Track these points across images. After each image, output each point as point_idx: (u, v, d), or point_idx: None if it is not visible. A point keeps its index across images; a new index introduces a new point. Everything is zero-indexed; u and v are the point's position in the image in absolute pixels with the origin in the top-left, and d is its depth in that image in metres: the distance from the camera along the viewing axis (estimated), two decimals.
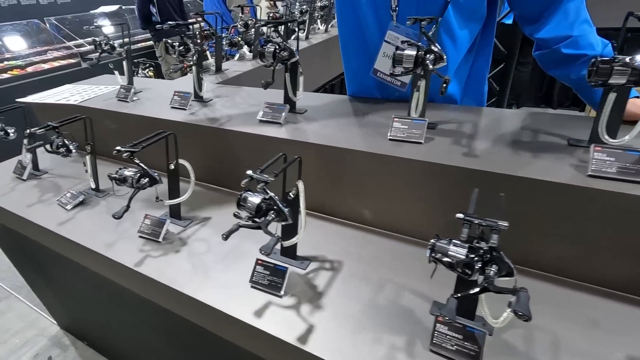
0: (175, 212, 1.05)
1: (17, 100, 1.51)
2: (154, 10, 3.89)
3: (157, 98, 1.41)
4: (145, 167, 0.91)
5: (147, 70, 2.04)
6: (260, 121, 1.08)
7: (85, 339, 1.79)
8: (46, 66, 3.52)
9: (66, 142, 1.10)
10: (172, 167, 0.98)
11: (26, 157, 1.36)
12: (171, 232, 1.01)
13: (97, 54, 1.44)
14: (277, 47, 1.01)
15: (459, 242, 0.58)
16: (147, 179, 0.91)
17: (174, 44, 1.20)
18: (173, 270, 0.88)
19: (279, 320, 0.72)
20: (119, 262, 0.92)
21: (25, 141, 1.36)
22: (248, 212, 0.74)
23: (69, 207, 1.15)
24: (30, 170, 1.38)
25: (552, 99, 3.99)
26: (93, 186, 1.21)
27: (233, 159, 1.12)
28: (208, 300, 0.78)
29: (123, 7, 4.61)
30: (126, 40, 1.49)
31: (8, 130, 1.30)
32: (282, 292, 0.77)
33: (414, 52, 0.83)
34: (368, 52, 1.08)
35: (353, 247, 0.89)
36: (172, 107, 1.26)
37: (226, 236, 0.70)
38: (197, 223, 1.04)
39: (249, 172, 0.72)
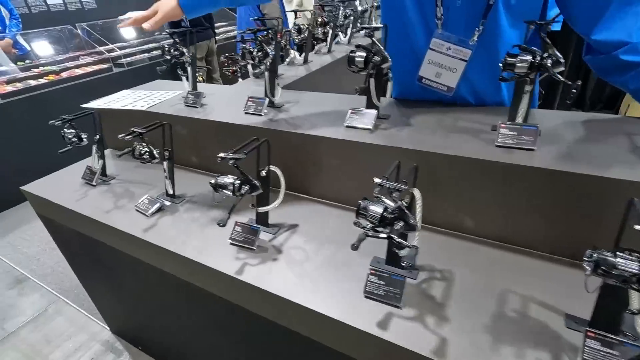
0: (263, 220, 1.03)
1: (82, 106, 1.52)
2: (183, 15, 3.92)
3: (224, 104, 1.41)
4: (247, 175, 0.90)
5: (198, 75, 2.04)
6: (347, 127, 1.06)
7: (139, 344, 1.79)
8: (80, 71, 3.56)
9: (151, 148, 1.10)
10: (264, 173, 0.97)
11: (97, 163, 1.36)
12: (262, 239, 1.00)
13: (167, 59, 1.43)
14: (369, 52, 1.00)
15: (626, 254, 0.55)
16: (247, 186, 0.90)
17: (251, 49, 1.19)
18: (277, 279, 0.86)
19: (407, 333, 0.70)
20: (218, 271, 0.90)
21: (94, 147, 1.36)
22: (370, 221, 0.72)
23: (149, 213, 1.15)
24: (99, 176, 1.38)
25: (584, 101, 3.93)
26: (170, 192, 1.21)
27: (317, 166, 1.10)
28: (325, 311, 0.76)
29: None
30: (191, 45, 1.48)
31: (82, 136, 1.30)
32: (401, 303, 0.75)
33: (529, 57, 0.81)
34: (415, 58, 1.06)
35: (459, 257, 0.87)
36: (247, 113, 1.26)
37: (357, 246, 0.68)
38: (286, 230, 1.03)
39: (378, 180, 0.70)
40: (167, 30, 1.41)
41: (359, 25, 2.57)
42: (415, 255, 0.64)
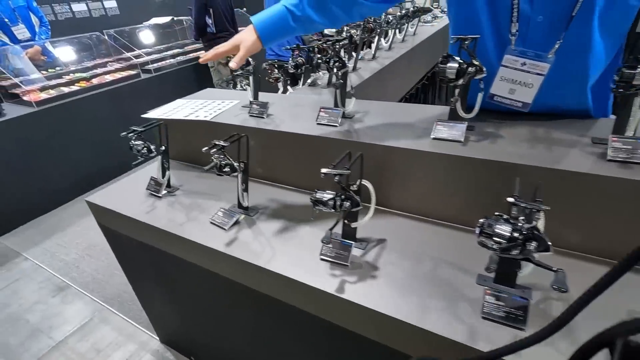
0: (350, 234, 1.01)
1: (143, 116, 1.52)
2: (209, 21, 3.95)
3: (288, 114, 1.39)
4: (350, 191, 0.88)
5: (244, 83, 2.03)
6: (435, 139, 1.04)
7: (192, 354, 1.77)
8: (109, 77, 3.59)
9: (232, 161, 1.08)
10: (355, 187, 0.95)
11: (164, 174, 1.36)
12: (353, 255, 0.97)
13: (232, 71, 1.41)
14: (462, 63, 0.97)
15: None
16: (349, 202, 0.88)
17: (327, 59, 1.18)
18: (381, 297, 0.84)
19: (542, 358, 0.68)
20: (317, 288, 0.88)
21: (160, 158, 1.36)
22: (496, 241, 0.70)
23: (227, 227, 1.13)
24: (165, 187, 1.37)
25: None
26: (245, 205, 1.19)
27: (400, 179, 1.08)
28: (446, 334, 0.74)
29: (175, 19, 4.69)
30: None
31: (151, 147, 1.29)
32: (526, 326, 0.73)
33: None
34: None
35: (570, 274, 0.84)
36: (320, 124, 1.24)
37: (492, 269, 0.66)
38: (375, 245, 1.01)
39: (510, 199, 0.68)
40: None
41: (397, 30, 2.56)
42: (565, 279, 0.62)
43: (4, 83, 3.24)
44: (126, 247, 1.46)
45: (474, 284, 0.84)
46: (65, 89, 3.28)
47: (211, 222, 1.17)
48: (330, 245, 0.97)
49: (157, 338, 1.91)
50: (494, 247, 0.70)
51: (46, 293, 2.33)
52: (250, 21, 1.08)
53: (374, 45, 2.12)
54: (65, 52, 3.77)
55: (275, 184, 1.35)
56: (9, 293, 2.37)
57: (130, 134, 1.25)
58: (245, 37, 1.06)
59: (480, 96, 1.02)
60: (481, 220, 0.73)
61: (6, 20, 3.55)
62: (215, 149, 1.05)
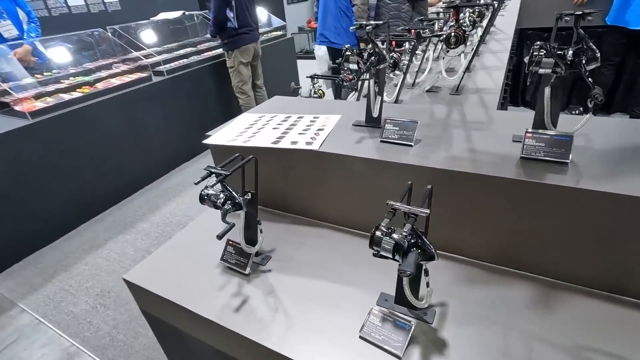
0: None
1: (204, 142, 1.01)
2: (230, 15, 3.43)
3: (445, 137, 0.89)
4: None
5: (318, 88, 1.52)
6: None
7: None
8: (116, 81, 3.04)
9: (410, 231, 0.58)
10: None
11: (254, 238, 0.85)
12: None
13: (356, 70, 0.90)
14: None
15: None
16: None
17: (565, 51, 0.68)
18: None
19: None
20: None
21: (243, 214, 0.84)
22: None
23: (400, 351, 0.63)
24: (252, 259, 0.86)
25: None
26: (422, 306, 0.68)
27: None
28: None
29: (186, 13, 4.14)
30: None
31: (236, 198, 0.78)
32: None
33: None
34: None
35: None
36: (527, 157, 0.74)
37: None
38: None
39: None
40: (363, 23, 0.86)
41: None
42: None
43: None
44: (187, 346, 0.95)
45: None
46: (65, 96, 2.73)
47: (362, 338, 0.67)
48: None
49: None
50: None
51: None
52: None
53: (476, 38, 1.62)
54: (62, 52, 3.22)
55: (451, 255, 0.84)
56: None
57: (211, 183, 0.73)
58: None
59: None
60: None
61: None
62: (414, 214, 0.54)
